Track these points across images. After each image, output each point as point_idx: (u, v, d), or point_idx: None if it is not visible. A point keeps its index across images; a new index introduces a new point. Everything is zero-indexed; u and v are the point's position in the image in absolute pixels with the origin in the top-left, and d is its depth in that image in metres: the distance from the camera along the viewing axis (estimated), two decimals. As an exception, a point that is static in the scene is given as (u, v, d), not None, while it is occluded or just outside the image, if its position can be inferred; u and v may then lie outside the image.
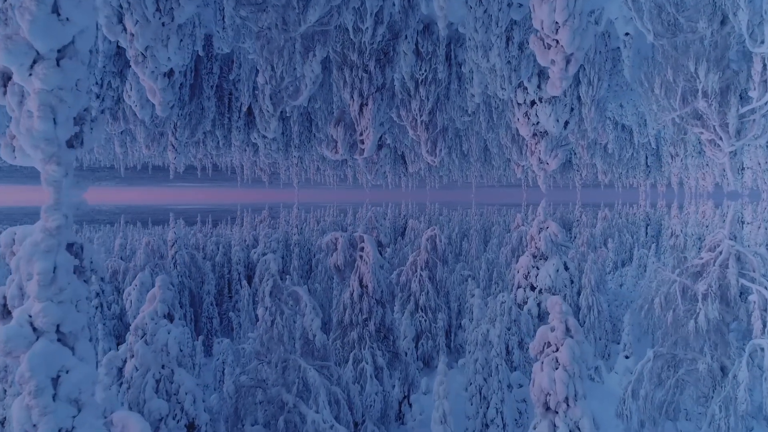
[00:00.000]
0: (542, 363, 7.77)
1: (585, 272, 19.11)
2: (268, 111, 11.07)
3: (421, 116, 22.00)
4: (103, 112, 26.52)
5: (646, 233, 53.85)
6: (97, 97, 21.83)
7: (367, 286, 13.30)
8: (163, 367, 9.07)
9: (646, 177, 46.60)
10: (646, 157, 43.46)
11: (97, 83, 21.33)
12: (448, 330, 24.59)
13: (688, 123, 10.63)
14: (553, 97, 20.54)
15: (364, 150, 13.87)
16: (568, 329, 7.67)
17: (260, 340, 9.62)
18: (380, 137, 22.23)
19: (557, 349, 7.67)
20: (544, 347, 7.85)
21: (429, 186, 60.09)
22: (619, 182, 60.77)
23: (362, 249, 13.88)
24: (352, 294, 13.37)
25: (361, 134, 13.76)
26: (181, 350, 10.84)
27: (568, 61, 7.87)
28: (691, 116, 10.61)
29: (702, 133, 10.48)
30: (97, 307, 24.55)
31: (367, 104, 13.45)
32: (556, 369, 7.58)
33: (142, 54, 12.19)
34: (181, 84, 24.44)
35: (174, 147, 27.80)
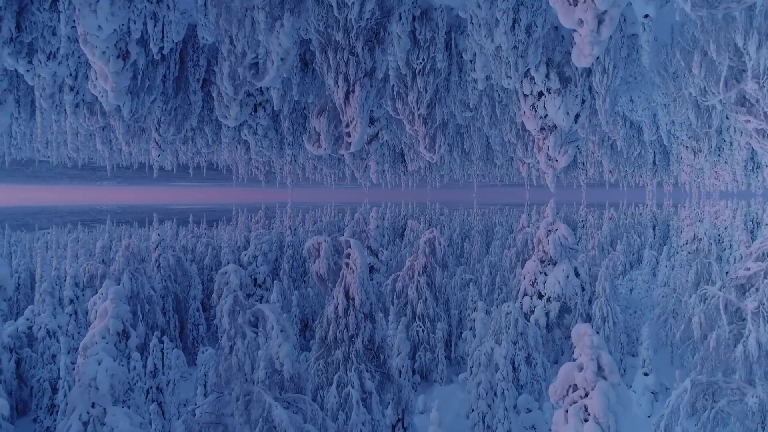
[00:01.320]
0: (566, 412, 6.00)
1: (599, 279, 17.35)
2: (227, 94, 9.37)
3: (418, 109, 20.27)
4: (78, 105, 24.80)
5: (654, 234, 52.09)
6: (71, 89, 20.32)
7: (353, 298, 11.61)
8: (93, 405, 7.38)
9: (653, 176, 44.90)
10: (654, 155, 41.69)
11: (71, 75, 19.80)
12: (447, 340, 22.80)
13: (732, 110, 8.95)
14: (563, 87, 18.78)
15: (350, 144, 12.12)
16: (600, 368, 5.91)
17: (216, 369, 7.93)
18: (377, 133, 20.41)
19: (586, 395, 5.91)
20: (568, 391, 6.09)
21: (429, 185, 58.44)
22: (624, 181, 59.03)
23: (348, 255, 12.16)
24: (336, 307, 11.67)
25: (347, 126, 12.01)
26: (130, 383, 9.12)
27: (600, 21, 6.15)
28: (734, 102, 8.94)
29: (749, 121, 8.82)
30: (71, 315, 22.96)
31: (353, 91, 11.70)
32: (586, 421, 5.81)
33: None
34: (164, 76, 22.82)
35: (158, 144, 26.15)
